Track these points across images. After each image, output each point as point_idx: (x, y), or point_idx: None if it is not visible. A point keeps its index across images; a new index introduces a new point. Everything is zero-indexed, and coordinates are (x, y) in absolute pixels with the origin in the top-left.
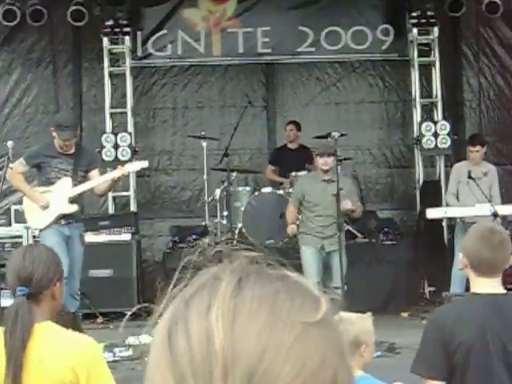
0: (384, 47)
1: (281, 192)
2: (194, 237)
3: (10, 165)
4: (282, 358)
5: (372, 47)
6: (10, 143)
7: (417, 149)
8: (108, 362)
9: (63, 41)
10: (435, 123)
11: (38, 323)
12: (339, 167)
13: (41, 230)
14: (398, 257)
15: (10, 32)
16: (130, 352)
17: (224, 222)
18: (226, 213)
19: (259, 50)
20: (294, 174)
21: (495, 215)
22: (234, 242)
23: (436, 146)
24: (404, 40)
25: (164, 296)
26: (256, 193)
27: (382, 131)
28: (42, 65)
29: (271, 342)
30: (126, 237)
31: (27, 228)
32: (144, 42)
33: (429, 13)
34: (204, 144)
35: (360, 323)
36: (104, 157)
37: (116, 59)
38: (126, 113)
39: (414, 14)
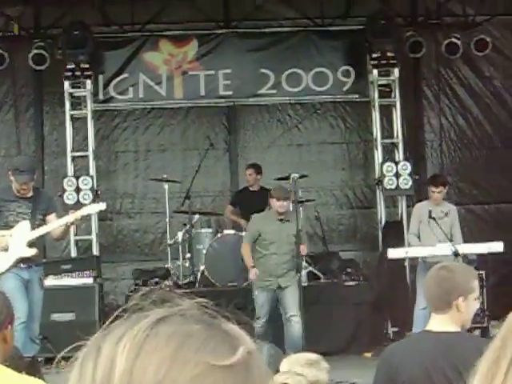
0: (345, 88)
1: (243, 234)
2: (157, 280)
3: None
4: None
5: (333, 88)
6: None
7: (379, 189)
8: None
9: (25, 84)
10: (396, 164)
11: None
12: (301, 208)
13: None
14: (361, 297)
15: None
16: None
17: (187, 264)
18: (188, 255)
19: (221, 93)
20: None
21: (456, 254)
22: (196, 284)
23: (398, 186)
24: (364, 81)
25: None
26: (218, 235)
27: (344, 172)
28: (3, 108)
29: (167, 378)
30: (88, 280)
31: None
32: (105, 86)
33: (389, 54)
34: (166, 187)
35: (316, 367)
36: (66, 200)
37: (78, 103)
38: (87, 156)
39: (375, 56)
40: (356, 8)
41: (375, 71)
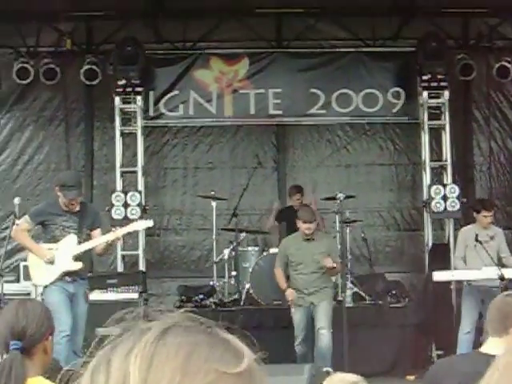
0: (395, 110)
1: None
2: (201, 296)
3: (16, 221)
4: None
5: (383, 110)
6: (16, 200)
7: (426, 212)
8: None
9: (76, 99)
10: (445, 186)
11: (31, 378)
12: (347, 229)
13: (45, 287)
14: (406, 319)
15: (23, 90)
16: None
17: (232, 282)
18: (234, 273)
19: (270, 112)
20: None
21: (502, 279)
22: (241, 302)
23: (445, 209)
24: (414, 103)
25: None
26: (264, 253)
27: (392, 194)
28: (54, 123)
29: None
30: (133, 295)
31: (35, 285)
32: (156, 102)
33: (439, 76)
34: (214, 204)
35: None
36: (114, 215)
37: (128, 118)
38: (136, 172)
39: (425, 78)
40: (407, 30)
41: (425, 93)
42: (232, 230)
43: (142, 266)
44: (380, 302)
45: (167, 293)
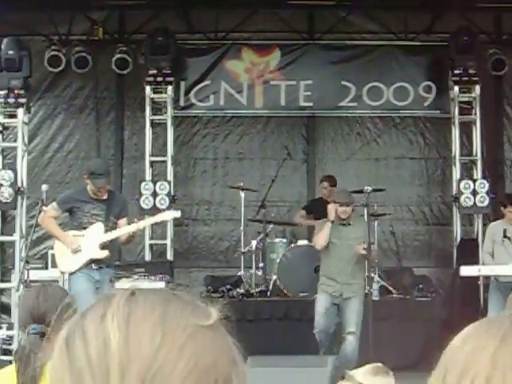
0: (425, 104)
1: None
2: (228, 287)
3: (43, 208)
4: (175, 357)
5: (414, 104)
6: (44, 187)
7: (455, 206)
8: None
9: (106, 88)
10: (474, 181)
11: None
12: (376, 222)
13: (71, 274)
14: (432, 314)
15: (54, 78)
16: None
17: (259, 273)
18: (261, 264)
19: (301, 104)
20: None
21: None
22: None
23: (474, 204)
24: (445, 97)
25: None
26: (292, 245)
27: (422, 188)
28: (85, 111)
29: (164, 342)
30: (160, 284)
31: (62, 272)
32: (187, 92)
33: (471, 71)
34: (242, 195)
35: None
36: (142, 204)
37: (158, 108)
38: (166, 161)
39: (456, 72)
40: (440, 24)
41: (456, 88)
42: (260, 221)
43: (169, 256)
44: (407, 296)
45: (194, 283)
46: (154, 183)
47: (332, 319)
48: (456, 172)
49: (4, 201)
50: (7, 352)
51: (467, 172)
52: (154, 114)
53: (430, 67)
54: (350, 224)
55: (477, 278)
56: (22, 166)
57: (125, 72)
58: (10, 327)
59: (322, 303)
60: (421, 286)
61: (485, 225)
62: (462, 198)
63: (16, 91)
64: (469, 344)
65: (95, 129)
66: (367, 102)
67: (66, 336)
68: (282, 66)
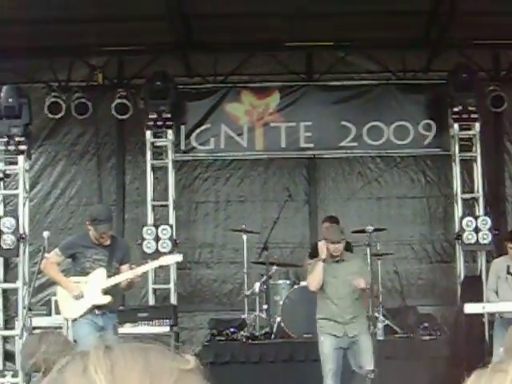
0: (426, 142)
1: None
2: (232, 330)
3: (46, 255)
4: None
5: (414, 142)
6: (45, 233)
7: (458, 244)
8: None
9: (107, 133)
10: (476, 218)
11: None
12: (379, 261)
13: (74, 320)
14: (437, 352)
15: (54, 124)
16: None
17: (263, 315)
18: (265, 306)
19: (301, 145)
20: None
21: None
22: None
23: (477, 241)
24: (446, 135)
25: None
26: (295, 286)
27: (424, 226)
28: (86, 157)
29: None
30: (164, 329)
31: (66, 318)
32: (187, 136)
33: (470, 108)
34: (245, 237)
35: None
36: (145, 249)
37: (159, 152)
38: (167, 205)
39: (456, 109)
40: (438, 62)
41: (456, 125)
42: (263, 263)
43: (173, 300)
44: (412, 334)
45: (199, 326)
46: (156, 227)
47: (340, 361)
48: (458, 209)
49: (6, 248)
50: None
51: (469, 209)
52: (154, 159)
53: (429, 105)
54: (343, 260)
55: (481, 315)
56: (23, 213)
57: (125, 117)
58: (15, 375)
59: (327, 345)
60: (426, 324)
61: (488, 261)
62: (464, 236)
63: (16, 138)
64: None
65: (97, 174)
66: (367, 142)
67: None
68: (282, 107)
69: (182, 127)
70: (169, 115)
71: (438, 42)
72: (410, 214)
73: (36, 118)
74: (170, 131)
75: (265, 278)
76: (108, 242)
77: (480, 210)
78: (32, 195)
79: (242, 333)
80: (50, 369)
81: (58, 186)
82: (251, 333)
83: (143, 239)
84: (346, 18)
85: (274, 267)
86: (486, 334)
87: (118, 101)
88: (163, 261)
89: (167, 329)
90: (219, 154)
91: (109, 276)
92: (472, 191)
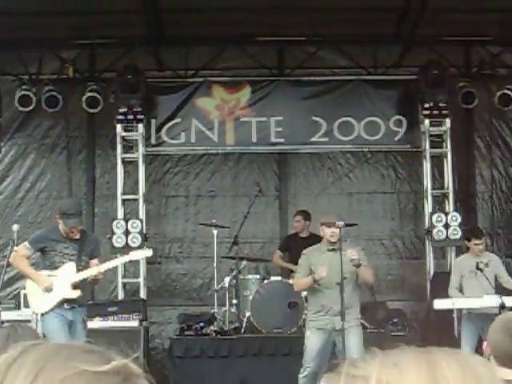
0: (396, 138)
1: (290, 281)
2: (202, 324)
3: (15, 248)
4: None
5: (384, 138)
6: (15, 227)
7: (428, 240)
8: None
9: (77, 127)
10: (446, 214)
11: None
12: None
13: (43, 314)
14: None
15: (25, 117)
16: None
17: (233, 310)
18: (235, 301)
19: (272, 140)
20: None
21: (503, 307)
22: (242, 330)
23: (447, 237)
24: (416, 131)
25: None
26: (265, 281)
27: (394, 222)
28: (56, 150)
29: (37, 380)
30: (133, 323)
31: (36, 312)
32: (158, 130)
33: (441, 104)
34: (215, 232)
35: None
36: (114, 243)
37: (129, 146)
38: (138, 199)
39: (427, 106)
40: (409, 58)
41: (427, 121)
42: (233, 258)
43: (142, 294)
44: (381, 330)
45: (168, 321)
46: (126, 221)
47: (326, 358)
48: (428, 205)
49: None
50: None
51: (439, 205)
52: (125, 152)
53: (400, 101)
54: (340, 249)
55: (451, 310)
56: None
57: (95, 110)
58: None
59: (314, 341)
60: (395, 319)
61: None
62: (434, 231)
63: None
64: None
65: (67, 168)
66: (338, 137)
67: None
68: (253, 102)
69: (153, 121)
70: (139, 109)
71: (409, 38)
72: (381, 210)
73: (6, 111)
74: (140, 125)
75: (235, 272)
76: (78, 236)
77: (450, 206)
78: (1, 188)
79: (211, 327)
80: None
81: (27, 180)
82: (221, 327)
83: (113, 233)
84: (318, 13)
85: (244, 262)
86: (455, 329)
87: (89, 94)
88: (133, 256)
89: (136, 323)
90: (190, 149)
91: (78, 270)
92: (442, 187)
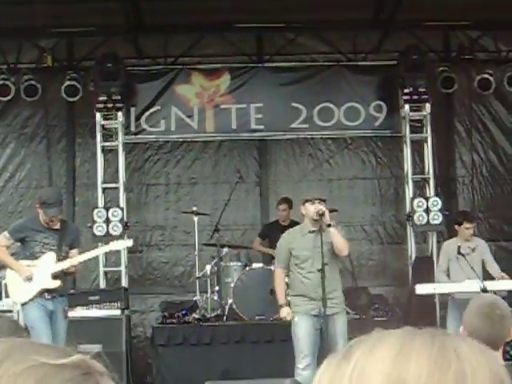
0: (377, 123)
1: (271, 267)
2: (184, 312)
3: None
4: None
5: (365, 124)
6: None
7: (409, 225)
8: None
9: (57, 116)
10: (427, 199)
11: None
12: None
13: (23, 304)
14: None
15: (3, 107)
16: None
17: (215, 297)
18: (216, 288)
19: (252, 127)
20: None
21: (485, 291)
22: (224, 317)
23: (428, 222)
24: (396, 116)
25: None
26: (246, 268)
27: (375, 207)
28: (35, 140)
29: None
30: (115, 312)
31: (16, 302)
32: (137, 118)
33: (421, 89)
34: (196, 220)
35: None
36: (95, 231)
37: (109, 135)
38: (118, 188)
39: (407, 91)
40: (388, 43)
41: (407, 106)
42: (214, 245)
43: (124, 283)
44: (363, 315)
45: (150, 309)
46: (107, 210)
47: (317, 343)
48: (409, 190)
49: None
50: None
51: (420, 190)
52: (105, 141)
53: (380, 86)
54: (323, 231)
55: (433, 295)
56: None
57: (75, 99)
58: None
59: (303, 326)
60: (377, 305)
61: (439, 242)
62: (415, 216)
63: None
64: None
65: (46, 157)
66: (318, 123)
67: None
68: (232, 89)
69: (132, 109)
70: (119, 97)
71: (388, 23)
72: (361, 196)
73: None
74: (119, 113)
75: (216, 260)
76: (58, 226)
77: (431, 190)
78: None
79: (193, 315)
80: None
81: (7, 169)
82: (203, 315)
83: (94, 222)
84: None
85: (226, 249)
86: (437, 314)
87: (68, 83)
88: (113, 246)
89: (118, 312)
90: (170, 136)
91: (59, 260)
92: (423, 172)
